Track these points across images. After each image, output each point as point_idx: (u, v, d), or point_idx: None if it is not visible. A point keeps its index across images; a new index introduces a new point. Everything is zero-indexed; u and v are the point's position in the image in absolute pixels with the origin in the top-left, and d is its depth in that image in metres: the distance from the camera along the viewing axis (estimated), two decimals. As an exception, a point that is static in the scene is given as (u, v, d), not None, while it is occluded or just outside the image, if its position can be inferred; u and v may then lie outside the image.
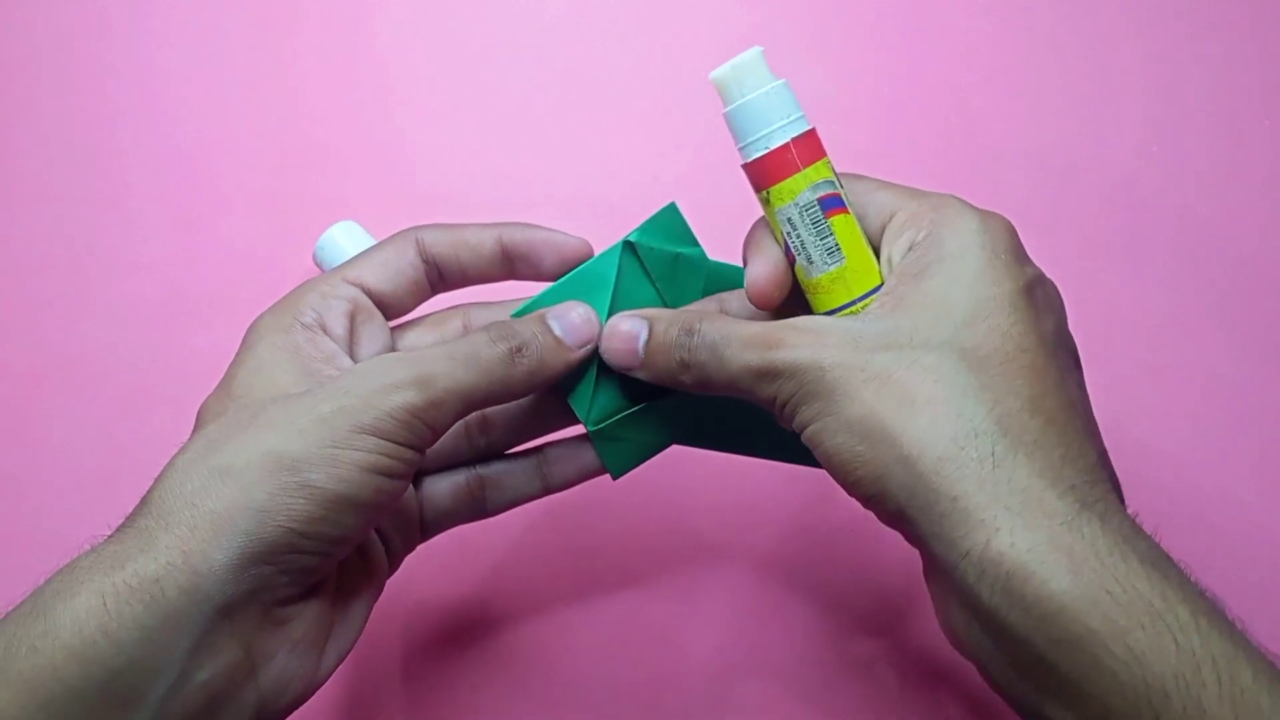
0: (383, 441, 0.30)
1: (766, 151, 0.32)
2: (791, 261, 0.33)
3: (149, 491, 0.29)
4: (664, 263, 0.36)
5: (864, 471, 0.28)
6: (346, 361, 0.34)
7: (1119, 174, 0.49)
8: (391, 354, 0.33)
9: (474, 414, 0.36)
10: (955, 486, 0.27)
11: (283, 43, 0.51)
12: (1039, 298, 0.30)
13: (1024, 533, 0.26)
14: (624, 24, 0.50)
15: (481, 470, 0.37)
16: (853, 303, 0.33)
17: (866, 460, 0.28)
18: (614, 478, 0.37)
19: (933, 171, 0.49)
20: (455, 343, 0.32)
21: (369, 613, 0.34)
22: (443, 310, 0.38)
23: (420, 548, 0.37)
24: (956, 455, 0.27)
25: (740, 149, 0.33)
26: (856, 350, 0.29)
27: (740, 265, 0.36)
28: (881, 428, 0.28)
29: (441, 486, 0.37)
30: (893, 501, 0.28)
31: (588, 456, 0.38)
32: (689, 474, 0.47)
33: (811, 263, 0.33)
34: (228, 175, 0.50)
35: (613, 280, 0.36)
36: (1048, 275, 0.32)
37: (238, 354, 0.33)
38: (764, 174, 0.33)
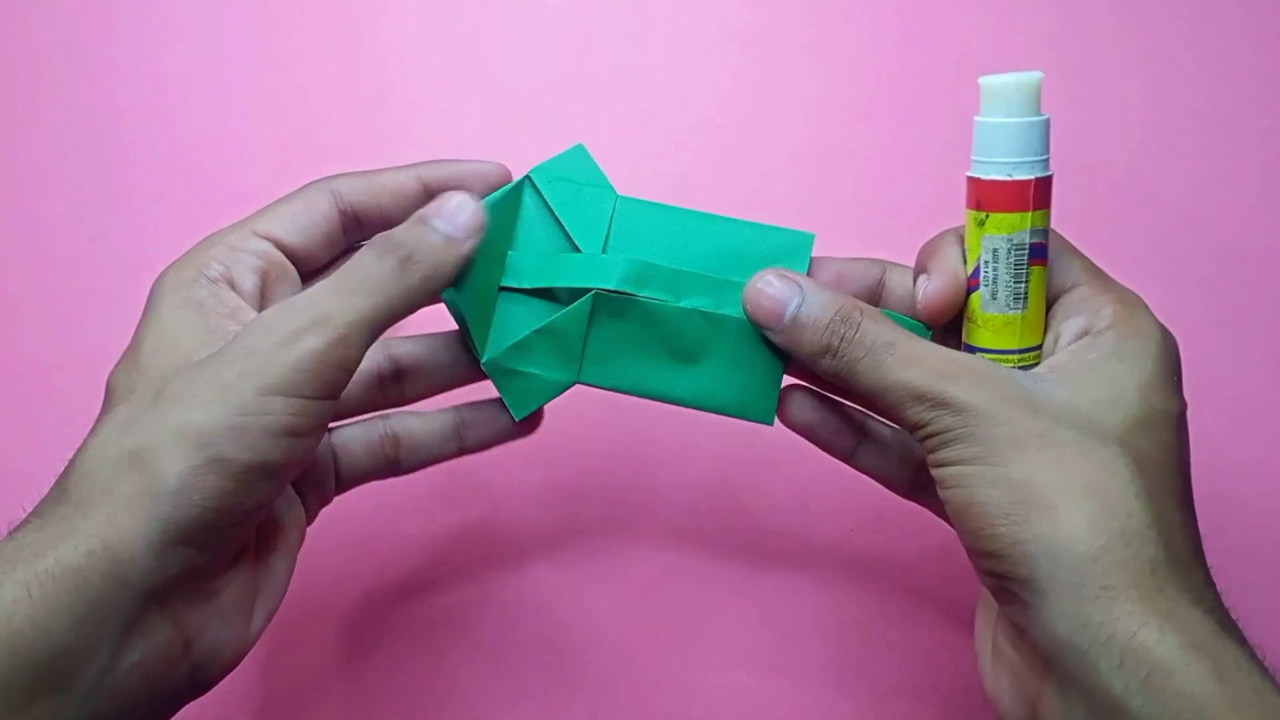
0: (291, 400, 0.29)
1: (1008, 179, 0.32)
2: (971, 287, 0.33)
3: (64, 476, 0.29)
4: (565, 196, 0.35)
5: (1009, 531, 0.28)
6: (252, 315, 0.33)
7: (1118, 174, 0.49)
8: (284, 302, 0.32)
9: (387, 364, 0.37)
10: (1111, 577, 0.27)
11: (286, 43, 0.51)
12: (1187, 426, 0.32)
13: (1173, 634, 0.26)
14: (624, 24, 0.51)
15: (396, 426, 0.37)
16: (1009, 352, 0.33)
17: (1018, 521, 0.28)
18: (515, 419, 0.36)
19: (933, 172, 0.49)
20: (342, 271, 0.31)
21: (292, 566, 0.34)
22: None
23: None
24: (1119, 550, 0.28)
25: (979, 162, 0.33)
26: (1036, 415, 0.30)
27: (657, 202, 0.35)
28: (1045, 497, 0.28)
29: (355, 442, 0.37)
30: (1027, 567, 0.28)
31: (505, 419, 0.37)
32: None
33: (995, 298, 0.33)
34: (229, 175, 0.50)
35: (517, 216, 0.35)
36: None
37: (144, 312, 0.33)
38: (994, 198, 0.32)
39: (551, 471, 0.47)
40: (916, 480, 0.37)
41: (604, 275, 0.35)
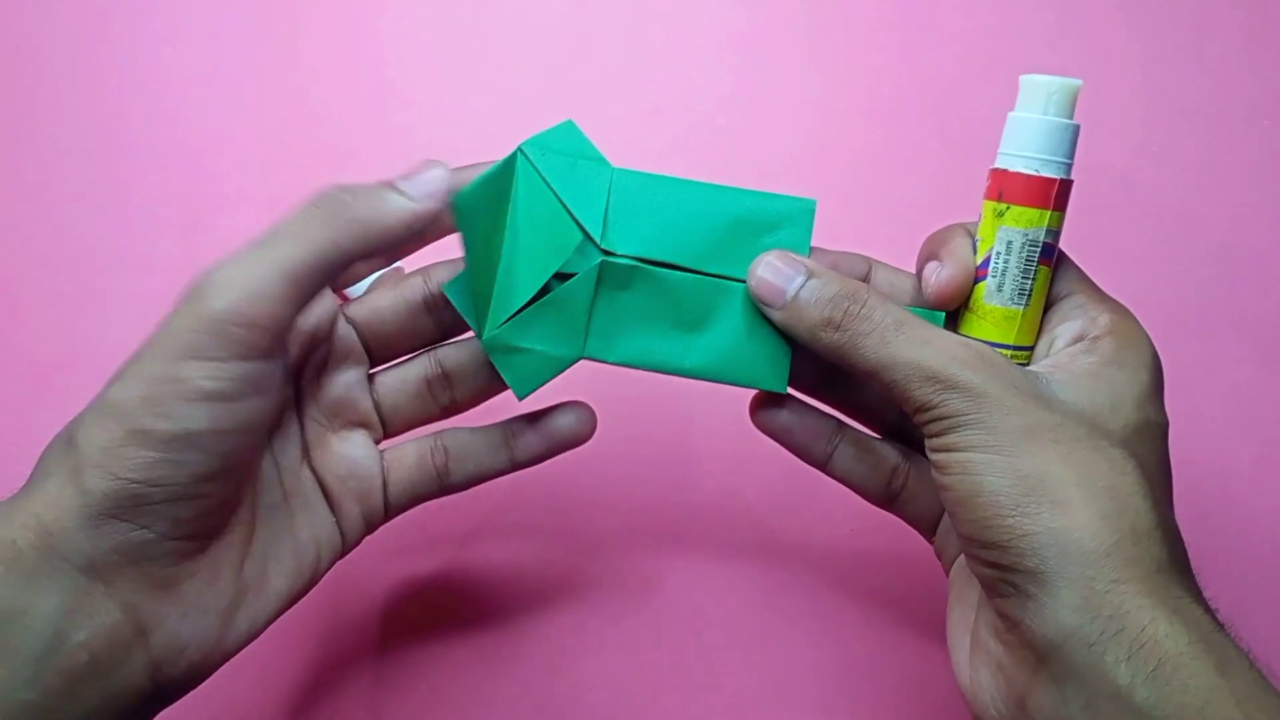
0: (204, 363, 0.28)
1: (1034, 174, 0.33)
2: (979, 277, 0.34)
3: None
4: (559, 167, 0.35)
5: (1018, 522, 0.28)
6: None
7: (1117, 173, 0.49)
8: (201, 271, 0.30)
9: (434, 369, 0.36)
10: (1122, 572, 0.27)
11: (287, 42, 0.51)
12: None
13: (1182, 628, 0.27)
14: (624, 24, 0.51)
15: (446, 440, 0.37)
16: (1005, 346, 0.33)
17: (1028, 513, 0.28)
18: (519, 398, 0.35)
19: (933, 172, 0.49)
20: (267, 228, 0.30)
21: (296, 584, 0.33)
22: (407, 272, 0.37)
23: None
24: (1129, 547, 0.28)
25: (1007, 155, 0.33)
26: (1048, 408, 0.30)
27: (654, 173, 0.35)
28: (1057, 490, 0.28)
29: (405, 458, 0.36)
30: (1035, 559, 0.28)
31: (554, 426, 0.36)
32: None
33: (1000, 290, 0.33)
34: (229, 175, 0.50)
35: (510, 190, 0.35)
36: None
37: None
38: (1016, 191, 0.33)
39: (552, 470, 0.47)
40: (890, 487, 0.37)
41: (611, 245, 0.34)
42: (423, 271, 0.36)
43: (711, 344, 0.35)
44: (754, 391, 0.37)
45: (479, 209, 0.34)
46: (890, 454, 0.37)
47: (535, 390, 0.35)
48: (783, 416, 0.36)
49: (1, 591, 0.27)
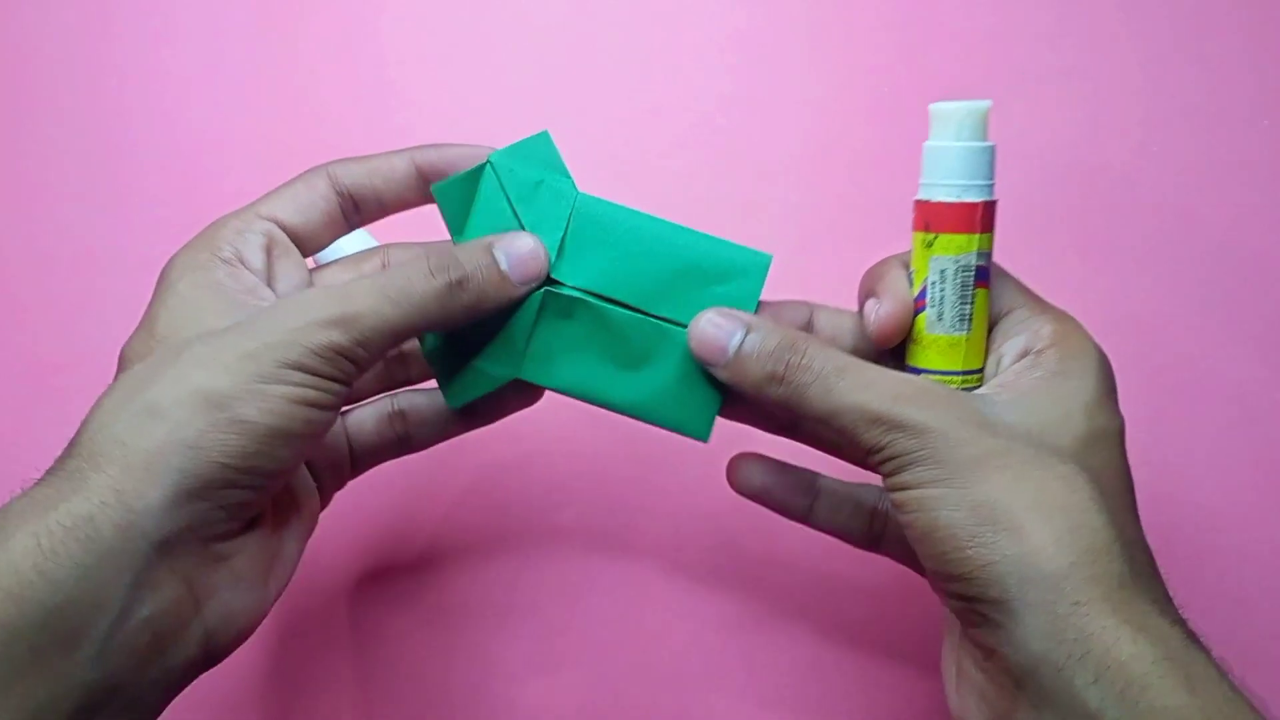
0: (309, 375, 0.30)
1: (957, 201, 0.33)
2: (918, 309, 0.34)
3: (76, 433, 0.30)
4: (524, 186, 0.35)
5: (977, 553, 0.28)
6: (269, 294, 0.34)
7: (1117, 173, 0.49)
8: (318, 289, 0.33)
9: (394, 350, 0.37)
10: (1082, 593, 0.27)
11: (287, 42, 0.51)
12: (1125, 443, 0.32)
13: (1147, 646, 0.27)
14: (623, 24, 0.51)
15: (402, 403, 0.38)
16: (954, 373, 0.33)
17: (985, 543, 0.28)
18: (451, 408, 0.36)
19: (932, 171, 0.49)
20: (389, 274, 0.32)
21: (304, 546, 0.35)
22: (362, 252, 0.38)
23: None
24: (1089, 566, 0.28)
25: (928, 185, 0.33)
26: (994, 434, 0.30)
27: (618, 204, 0.35)
28: (1010, 517, 0.28)
29: (367, 422, 0.37)
30: (997, 588, 0.28)
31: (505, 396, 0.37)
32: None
33: (941, 319, 0.33)
34: (229, 174, 0.50)
35: (474, 200, 0.35)
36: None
37: (156, 293, 0.33)
38: (942, 219, 0.33)
39: (548, 476, 0.47)
40: (872, 529, 0.37)
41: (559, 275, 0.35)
42: (381, 251, 0.38)
43: (644, 383, 0.35)
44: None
45: (451, 205, 0.35)
46: (868, 496, 0.37)
47: (468, 402, 0.36)
48: (759, 479, 0.37)
49: (73, 573, 0.27)
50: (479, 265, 0.33)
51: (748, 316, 0.33)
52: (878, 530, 0.37)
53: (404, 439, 0.38)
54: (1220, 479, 0.46)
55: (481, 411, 0.37)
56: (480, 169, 0.35)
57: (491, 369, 0.35)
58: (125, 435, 0.29)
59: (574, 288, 0.35)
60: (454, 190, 0.35)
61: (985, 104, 0.33)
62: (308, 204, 0.36)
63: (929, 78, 0.50)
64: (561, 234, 0.35)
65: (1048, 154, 0.49)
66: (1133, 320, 0.48)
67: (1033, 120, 0.50)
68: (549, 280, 0.35)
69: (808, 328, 0.36)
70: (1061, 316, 0.34)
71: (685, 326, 0.35)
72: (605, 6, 0.51)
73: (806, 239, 0.48)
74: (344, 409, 0.37)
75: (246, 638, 0.32)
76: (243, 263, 0.34)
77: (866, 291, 0.35)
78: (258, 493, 0.30)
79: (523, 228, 0.35)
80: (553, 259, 0.35)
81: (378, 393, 0.38)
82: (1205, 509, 0.46)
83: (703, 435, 0.35)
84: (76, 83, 0.51)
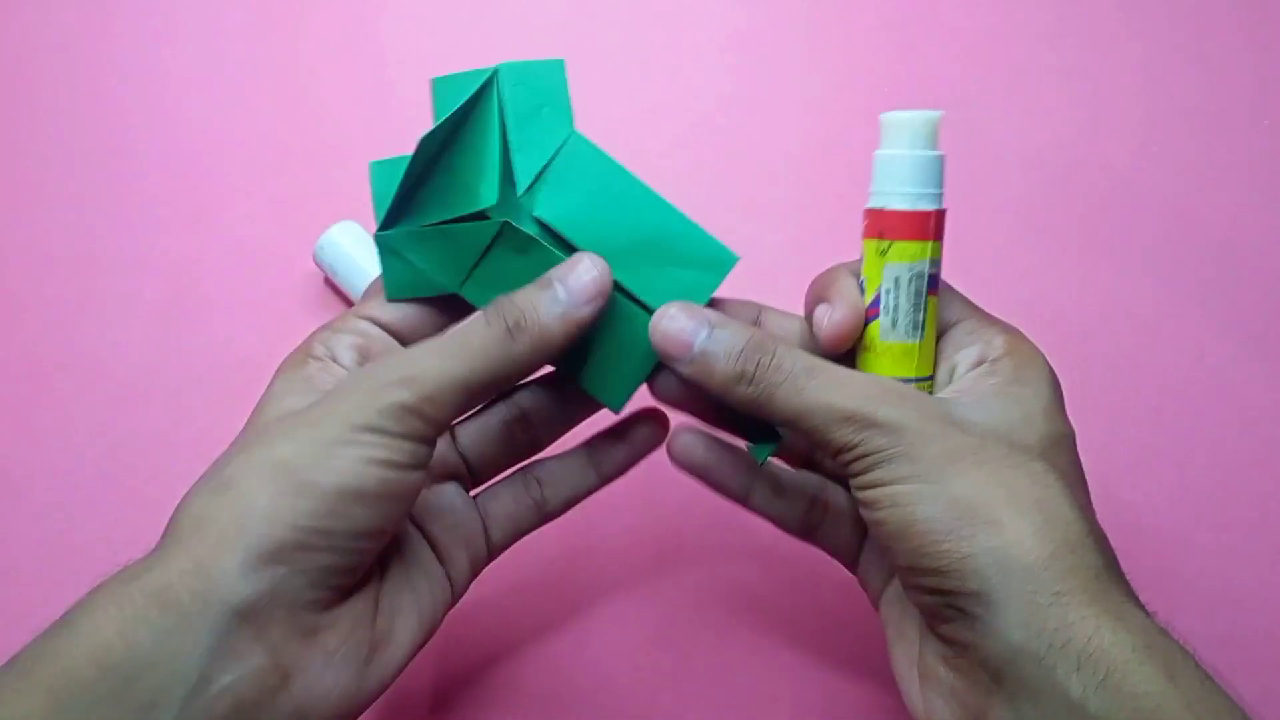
0: (379, 435, 0.30)
1: (910, 209, 0.33)
2: (870, 316, 0.34)
3: (169, 523, 0.30)
4: (524, 106, 0.34)
5: (953, 547, 0.29)
6: None
7: (1118, 174, 0.49)
8: (385, 356, 0.33)
9: (513, 413, 0.38)
10: (1062, 584, 0.28)
11: (287, 42, 0.51)
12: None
13: (1126, 635, 0.27)
14: (624, 24, 0.51)
15: (536, 473, 0.38)
16: (907, 380, 0.33)
17: (962, 537, 0.29)
18: (387, 299, 0.35)
19: (932, 171, 0.49)
20: (446, 333, 0.32)
21: (422, 636, 0.34)
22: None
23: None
24: (1066, 557, 0.28)
25: (882, 193, 0.34)
26: (966, 430, 0.30)
27: (611, 157, 0.34)
28: (988, 511, 0.29)
29: (500, 498, 0.38)
30: (976, 581, 0.28)
31: (637, 438, 0.38)
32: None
33: (895, 327, 0.33)
34: (229, 174, 0.50)
35: (474, 105, 0.34)
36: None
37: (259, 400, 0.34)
38: (896, 227, 0.33)
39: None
40: (809, 518, 0.37)
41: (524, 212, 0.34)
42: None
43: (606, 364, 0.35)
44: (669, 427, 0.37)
45: (447, 102, 0.34)
46: (808, 484, 0.37)
47: (404, 299, 0.35)
48: (700, 454, 0.37)
49: (151, 637, 0.27)
50: (534, 304, 0.32)
51: (712, 314, 0.33)
52: (815, 519, 0.37)
53: (540, 504, 0.38)
54: (1220, 478, 0.46)
55: (611, 465, 0.38)
56: (486, 74, 0.34)
57: (436, 277, 0.34)
58: (202, 511, 0.29)
59: (535, 220, 0.34)
60: (453, 86, 0.34)
61: (937, 114, 0.34)
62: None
63: (929, 78, 0.50)
64: (545, 163, 0.34)
65: (1048, 154, 0.49)
66: (1133, 320, 0.48)
67: (1033, 120, 0.50)
68: (508, 208, 0.34)
69: (756, 326, 0.36)
70: (1010, 329, 0.34)
71: (632, 295, 0.34)
72: (605, 6, 0.51)
73: (806, 239, 0.48)
74: (475, 491, 0.38)
75: None
76: (334, 360, 0.34)
77: (816, 298, 0.35)
78: (340, 556, 0.30)
79: (505, 149, 0.34)
80: (524, 186, 0.34)
81: (508, 463, 0.38)
82: (1205, 508, 0.46)
83: (615, 406, 0.35)
84: (76, 83, 0.51)
